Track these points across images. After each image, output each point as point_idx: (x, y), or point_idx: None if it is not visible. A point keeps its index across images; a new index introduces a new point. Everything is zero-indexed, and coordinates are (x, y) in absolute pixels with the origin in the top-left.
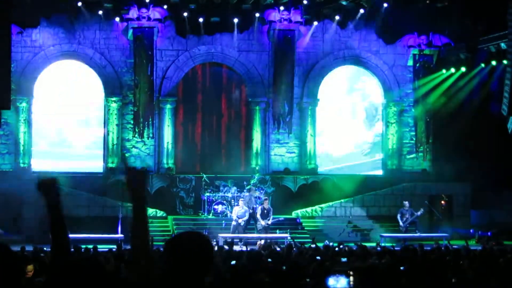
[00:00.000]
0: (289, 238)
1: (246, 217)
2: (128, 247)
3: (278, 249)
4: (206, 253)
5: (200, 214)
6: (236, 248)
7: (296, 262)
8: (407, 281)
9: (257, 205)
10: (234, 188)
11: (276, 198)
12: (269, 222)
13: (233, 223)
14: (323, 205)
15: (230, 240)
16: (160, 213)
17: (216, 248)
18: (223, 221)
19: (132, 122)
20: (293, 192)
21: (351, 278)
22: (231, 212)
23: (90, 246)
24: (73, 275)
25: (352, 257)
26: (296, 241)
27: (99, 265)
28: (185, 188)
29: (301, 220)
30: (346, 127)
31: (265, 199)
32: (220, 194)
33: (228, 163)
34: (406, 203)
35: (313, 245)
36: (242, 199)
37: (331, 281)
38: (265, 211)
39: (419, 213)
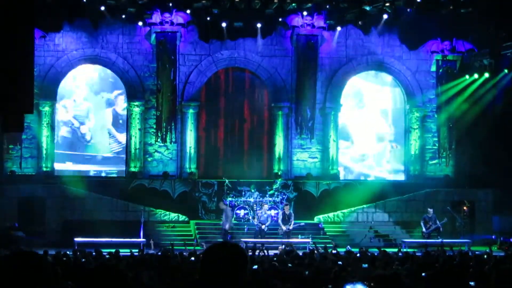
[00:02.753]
0: (311, 243)
1: (269, 222)
2: (151, 251)
3: (300, 254)
4: (240, 265)
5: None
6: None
7: (318, 268)
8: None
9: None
10: (257, 193)
11: (298, 203)
12: (290, 227)
13: (256, 228)
14: (345, 211)
15: (252, 245)
16: (182, 217)
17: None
18: (245, 226)
19: (154, 126)
20: (315, 197)
21: (369, 285)
22: (253, 218)
23: (112, 250)
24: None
25: (374, 263)
26: (319, 245)
27: (121, 273)
28: (207, 193)
29: (323, 225)
30: (368, 131)
31: (286, 204)
32: (243, 199)
33: (251, 168)
34: (431, 210)
35: (334, 251)
36: (265, 204)
37: None
38: (286, 216)
39: (441, 223)
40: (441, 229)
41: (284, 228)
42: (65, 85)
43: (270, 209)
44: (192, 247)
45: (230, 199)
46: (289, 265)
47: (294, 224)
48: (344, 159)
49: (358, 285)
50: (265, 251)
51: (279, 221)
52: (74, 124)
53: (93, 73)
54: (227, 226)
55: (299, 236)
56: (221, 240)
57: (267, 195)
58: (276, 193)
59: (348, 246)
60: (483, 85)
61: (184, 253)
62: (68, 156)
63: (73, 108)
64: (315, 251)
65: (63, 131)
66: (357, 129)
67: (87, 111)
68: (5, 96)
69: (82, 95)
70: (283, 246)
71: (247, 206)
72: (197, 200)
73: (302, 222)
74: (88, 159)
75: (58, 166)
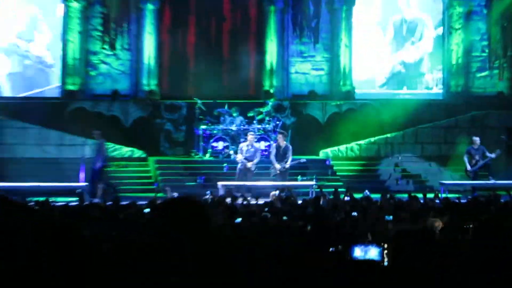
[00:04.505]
0: (315, 186)
1: (258, 159)
2: (96, 200)
3: (299, 202)
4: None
5: (193, 154)
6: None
7: (325, 221)
8: (474, 246)
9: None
10: (240, 118)
11: (297, 132)
12: (287, 165)
13: (239, 166)
14: (361, 142)
15: (234, 189)
16: (137, 152)
17: (213, 201)
18: (225, 164)
19: (100, 28)
20: (321, 124)
21: (385, 248)
22: (235, 152)
23: (42, 199)
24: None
25: (400, 214)
26: (326, 190)
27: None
28: (173, 119)
29: (331, 162)
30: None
31: (281, 134)
32: (221, 126)
33: (232, 84)
34: (477, 139)
35: (347, 197)
36: (252, 133)
37: (357, 251)
38: (281, 150)
39: (493, 155)
40: (490, 161)
41: (278, 166)
42: None
43: (259, 140)
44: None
45: (203, 126)
46: (285, 218)
47: (292, 160)
48: (360, 73)
49: (371, 248)
50: (252, 199)
51: (272, 156)
52: None
53: None
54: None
55: (299, 177)
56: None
57: (254, 121)
58: (267, 118)
59: (366, 191)
60: None
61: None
62: None
63: None
64: (321, 198)
65: None
66: (376, 31)
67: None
68: None
69: None
70: (277, 192)
71: (227, 137)
72: (158, 129)
73: (303, 158)
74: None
75: None
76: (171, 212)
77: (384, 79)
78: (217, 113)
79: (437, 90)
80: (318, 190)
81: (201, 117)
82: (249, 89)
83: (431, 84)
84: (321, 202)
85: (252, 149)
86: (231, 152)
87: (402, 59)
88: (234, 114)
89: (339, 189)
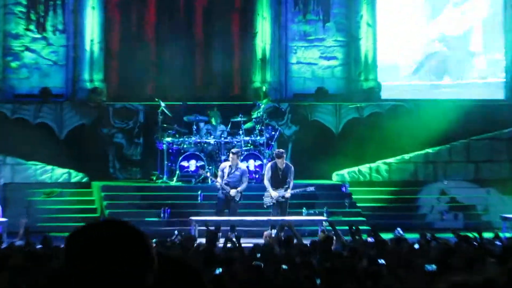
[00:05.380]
0: (326, 224)
1: (245, 184)
2: (17, 242)
3: (306, 244)
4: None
5: (154, 178)
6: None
7: (341, 271)
8: None
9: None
10: (221, 127)
11: (301, 147)
12: (287, 194)
13: (219, 194)
14: (391, 160)
15: (212, 227)
16: (76, 176)
17: (183, 244)
18: (199, 192)
19: (24, 2)
20: (334, 135)
21: None
22: (214, 175)
23: None
24: None
25: (447, 260)
26: (340, 228)
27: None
28: (126, 129)
29: (349, 189)
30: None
31: (279, 154)
32: (194, 139)
33: (209, 79)
34: None
35: (371, 238)
36: (235, 149)
37: None
38: (280, 172)
39: None
40: None
41: (275, 194)
42: None
43: (246, 158)
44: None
45: (168, 139)
46: (284, 266)
47: (295, 187)
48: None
49: None
50: (236, 239)
51: (266, 181)
52: None
53: None
54: None
55: (304, 210)
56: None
57: (240, 132)
58: (258, 127)
59: (398, 229)
60: None
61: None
62: None
63: None
64: (333, 239)
65: None
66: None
67: None
68: None
69: None
70: (273, 231)
71: (201, 154)
72: (106, 143)
73: (311, 186)
74: None
75: None
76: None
77: (413, 65)
78: (187, 120)
79: (496, 78)
80: (330, 228)
81: (166, 125)
82: (232, 87)
83: (485, 72)
84: (333, 246)
85: (238, 172)
86: (208, 174)
87: (441, 33)
88: (213, 122)
89: (360, 227)
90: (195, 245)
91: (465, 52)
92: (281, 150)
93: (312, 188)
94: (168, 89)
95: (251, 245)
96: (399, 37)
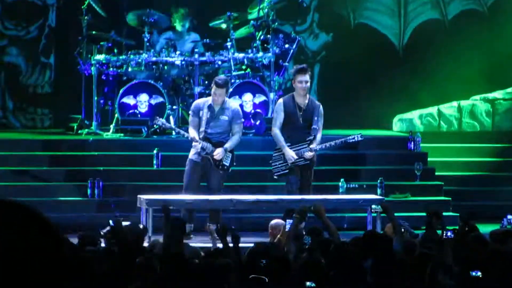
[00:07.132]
0: (377, 207)
1: (237, 137)
2: None
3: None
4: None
5: (75, 126)
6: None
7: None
8: None
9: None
10: (193, 36)
11: (336, 73)
12: (311, 153)
13: (192, 154)
14: (496, 94)
15: (178, 214)
16: None
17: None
18: (155, 151)
19: None
20: (397, 51)
21: None
22: (182, 120)
23: None
24: None
25: None
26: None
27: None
28: (24, 38)
29: (421, 145)
30: None
31: (299, 69)
32: (144, 57)
33: None
34: None
35: (450, 233)
36: (217, 81)
37: None
38: (301, 114)
39: None
40: None
41: (290, 154)
42: None
43: (240, 92)
44: None
45: (99, 57)
46: (310, 284)
47: (327, 141)
48: None
49: None
50: (233, 240)
51: (275, 130)
52: None
53: None
54: None
55: (341, 182)
56: None
57: (228, 43)
58: (260, 34)
59: (509, 216)
60: None
61: None
62: None
63: None
64: (394, 234)
65: None
66: None
67: None
68: None
69: None
70: (286, 221)
71: (159, 83)
72: None
73: (357, 134)
74: None
75: None
76: None
77: None
78: (134, 24)
79: None
80: (384, 215)
81: (96, 32)
82: None
83: None
84: (394, 244)
85: (225, 116)
86: (171, 120)
87: None
88: (178, 27)
89: (444, 213)
90: (148, 244)
91: None
92: (304, 65)
93: (359, 137)
94: None
95: (251, 245)
96: None
